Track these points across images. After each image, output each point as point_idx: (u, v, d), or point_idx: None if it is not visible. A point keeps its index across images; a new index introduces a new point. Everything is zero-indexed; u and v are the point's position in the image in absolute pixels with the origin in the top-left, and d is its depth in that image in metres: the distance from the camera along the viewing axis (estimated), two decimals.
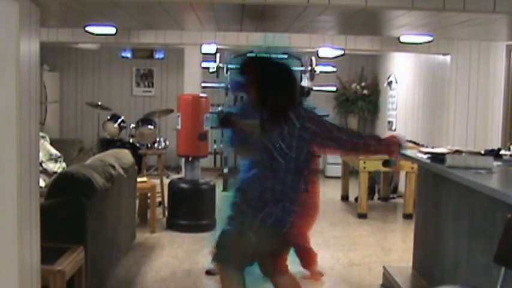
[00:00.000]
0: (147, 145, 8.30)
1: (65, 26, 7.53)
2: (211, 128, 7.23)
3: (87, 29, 6.85)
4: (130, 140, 9.09)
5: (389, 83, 10.31)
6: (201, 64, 8.32)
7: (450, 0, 4.00)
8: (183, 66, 8.26)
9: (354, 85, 11.36)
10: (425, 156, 4.52)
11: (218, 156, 10.86)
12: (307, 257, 5.03)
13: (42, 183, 5.69)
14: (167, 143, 8.47)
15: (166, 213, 7.29)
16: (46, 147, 7.02)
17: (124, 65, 11.82)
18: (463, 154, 4.27)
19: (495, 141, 7.36)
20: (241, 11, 5.52)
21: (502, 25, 5.97)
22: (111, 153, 5.63)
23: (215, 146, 10.41)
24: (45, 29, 7.30)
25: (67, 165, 6.93)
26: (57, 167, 6.89)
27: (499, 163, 4.20)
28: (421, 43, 7.13)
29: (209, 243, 4.25)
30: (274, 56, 3.87)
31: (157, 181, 7.39)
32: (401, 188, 8.71)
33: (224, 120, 3.84)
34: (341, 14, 5.57)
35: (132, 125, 8.88)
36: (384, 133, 10.31)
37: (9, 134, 3.08)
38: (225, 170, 9.69)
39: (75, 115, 11.76)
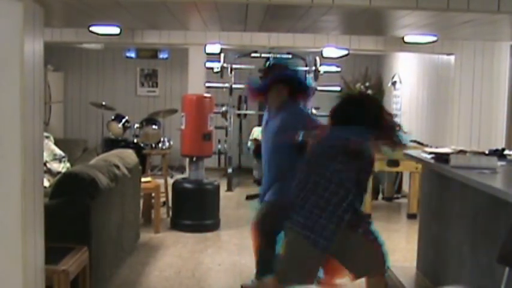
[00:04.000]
0: (151, 145, 8.31)
1: (69, 26, 7.54)
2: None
3: (91, 29, 6.86)
4: (135, 140, 9.11)
5: (394, 83, 10.30)
6: (205, 64, 8.32)
7: (454, 0, 3.99)
8: (187, 66, 8.26)
9: (358, 85, 11.34)
10: (429, 156, 4.51)
11: (222, 156, 10.87)
12: None
13: (46, 183, 5.69)
14: (171, 143, 8.47)
15: (170, 213, 7.30)
16: (50, 147, 7.02)
17: (128, 65, 11.82)
18: (467, 154, 4.27)
19: (499, 141, 7.34)
20: (245, 11, 5.53)
21: (506, 25, 5.95)
22: (115, 153, 5.64)
23: (219, 146, 10.43)
24: (49, 29, 7.31)
25: (71, 165, 6.94)
26: (61, 167, 6.90)
27: (503, 163, 4.19)
28: (425, 43, 7.12)
29: None
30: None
31: (161, 181, 7.39)
32: (406, 188, 8.70)
33: None
34: (345, 14, 5.57)
35: (136, 125, 8.90)
36: None
37: (13, 134, 3.08)
38: (229, 170, 9.69)
39: (79, 115, 11.77)
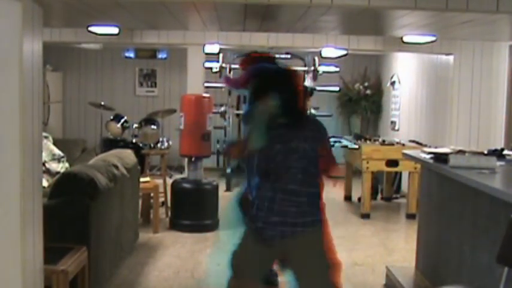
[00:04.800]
0: (150, 145, 8.30)
1: (68, 26, 7.54)
2: None
3: (90, 29, 6.86)
4: (133, 140, 9.09)
5: (393, 83, 10.30)
6: (204, 64, 8.32)
7: (453, 0, 4.00)
8: (186, 66, 8.26)
9: (357, 85, 11.35)
10: (428, 156, 4.51)
11: (221, 156, 10.86)
12: None
13: (45, 183, 5.68)
14: (170, 143, 8.46)
15: (169, 213, 7.30)
16: (49, 147, 7.01)
17: (127, 65, 11.82)
18: (466, 154, 4.27)
19: (498, 141, 7.35)
20: (244, 11, 5.53)
21: (505, 25, 5.96)
22: (114, 153, 5.63)
23: (218, 146, 10.42)
24: (48, 29, 7.31)
25: (70, 165, 6.93)
26: (60, 167, 6.89)
27: (502, 163, 4.19)
28: (424, 43, 7.12)
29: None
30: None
31: (160, 181, 7.39)
32: (405, 188, 8.71)
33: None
34: (344, 14, 5.57)
35: (135, 125, 8.88)
36: (387, 133, 10.30)
37: (12, 134, 3.08)
38: (228, 170, 9.69)
39: (78, 115, 11.77)
